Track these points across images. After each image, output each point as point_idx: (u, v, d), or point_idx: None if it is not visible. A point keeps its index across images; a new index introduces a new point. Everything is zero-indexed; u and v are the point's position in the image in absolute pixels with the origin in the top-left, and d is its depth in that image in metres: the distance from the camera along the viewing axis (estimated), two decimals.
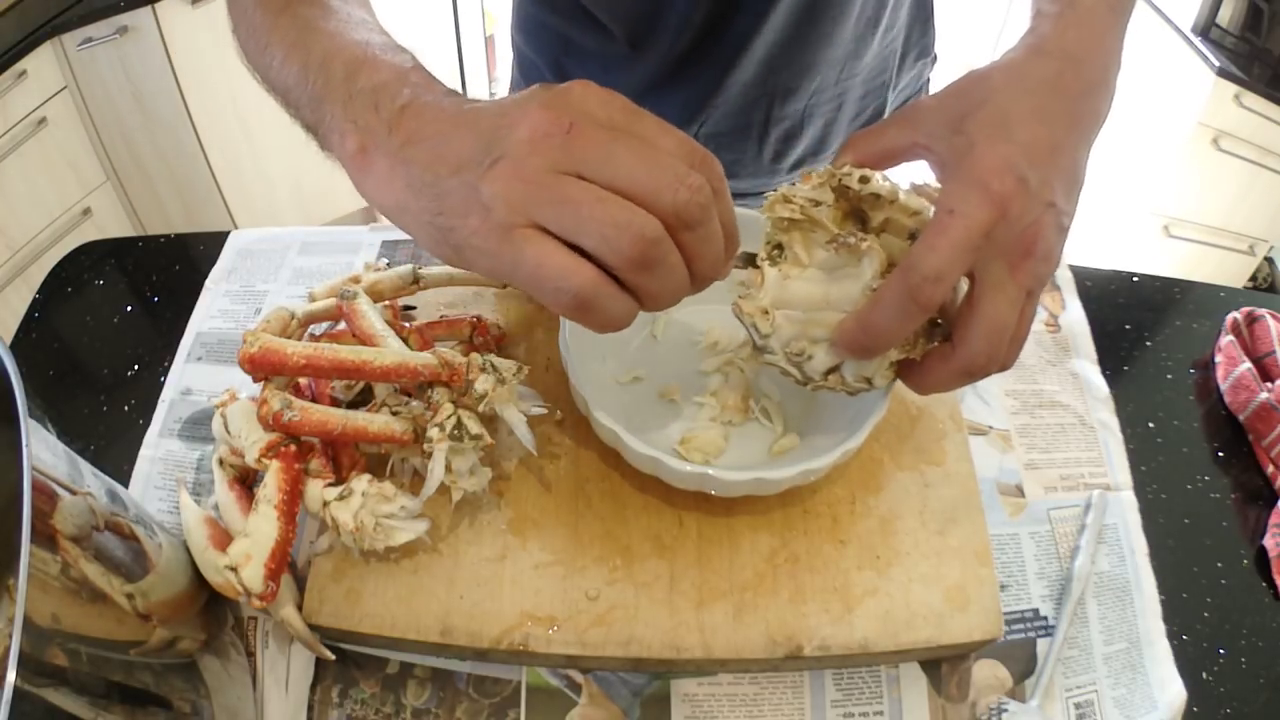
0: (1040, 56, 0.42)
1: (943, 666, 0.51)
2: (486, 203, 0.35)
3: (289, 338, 0.50)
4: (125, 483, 0.57)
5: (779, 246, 0.43)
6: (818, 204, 0.42)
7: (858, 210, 0.43)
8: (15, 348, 0.65)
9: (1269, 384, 0.62)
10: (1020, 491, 0.58)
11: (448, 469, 0.47)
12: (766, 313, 0.43)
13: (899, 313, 0.38)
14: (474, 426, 0.47)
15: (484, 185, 0.35)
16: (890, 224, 0.42)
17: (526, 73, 0.83)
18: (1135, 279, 0.72)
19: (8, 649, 0.29)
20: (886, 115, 0.81)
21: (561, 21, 0.74)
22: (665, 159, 0.35)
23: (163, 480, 0.57)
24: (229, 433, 0.49)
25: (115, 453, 0.59)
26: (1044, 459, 0.59)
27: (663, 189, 0.34)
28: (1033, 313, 0.41)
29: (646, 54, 0.72)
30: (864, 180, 0.41)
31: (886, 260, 0.41)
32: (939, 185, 0.42)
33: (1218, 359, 0.65)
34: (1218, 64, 1.68)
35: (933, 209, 0.39)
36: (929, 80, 0.87)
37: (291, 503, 0.45)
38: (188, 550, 0.47)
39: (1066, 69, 0.41)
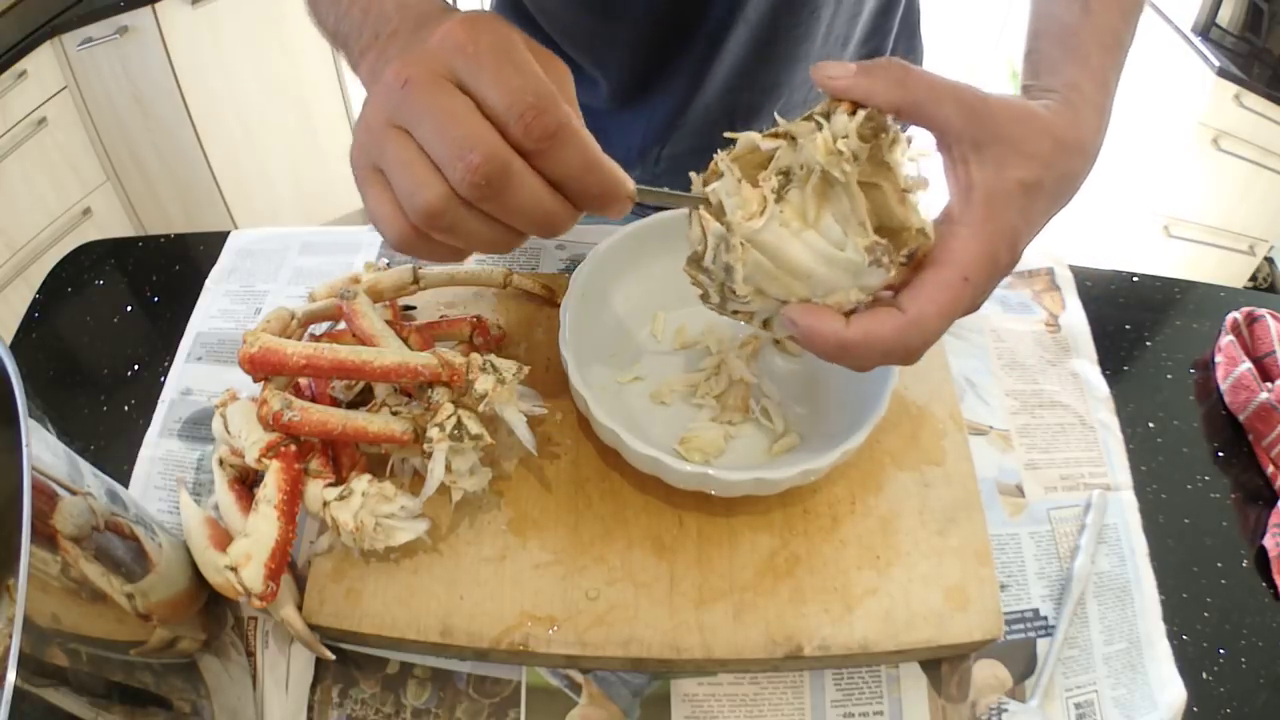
0: (1080, 153, 0.40)
1: (943, 666, 0.51)
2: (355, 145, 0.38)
3: (289, 338, 0.50)
4: (125, 483, 0.57)
5: (788, 176, 0.38)
6: (855, 160, 0.36)
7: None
8: (15, 348, 0.65)
9: (1269, 384, 0.62)
10: (1020, 491, 0.58)
11: (448, 469, 0.47)
12: (743, 245, 0.38)
13: (882, 357, 0.37)
14: (474, 426, 0.47)
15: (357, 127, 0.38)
16: (878, 199, 0.38)
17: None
18: (1135, 279, 0.72)
19: (8, 649, 0.29)
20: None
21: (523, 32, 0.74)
22: (461, 129, 0.34)
23: (163, 480, 0.57)
24: (229, 433, 0.49)
25: (115, 453, 0.59)
26: (1044, 459, 0.59)
27: (446, 163, 0.34)
28: None
29: (604, 77, 0.72)
30: (894, 143, 0.37)
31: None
32: (941, 164, 0.38)
33: (1218, 359, 0.65)
34: (1218, 64, 1.68)
35: (931, 225, 0.38)
36: None
37: (291, 503, 0.45)
38: (188, 550, 0.47)
39: (1084, 169, 0.40)
